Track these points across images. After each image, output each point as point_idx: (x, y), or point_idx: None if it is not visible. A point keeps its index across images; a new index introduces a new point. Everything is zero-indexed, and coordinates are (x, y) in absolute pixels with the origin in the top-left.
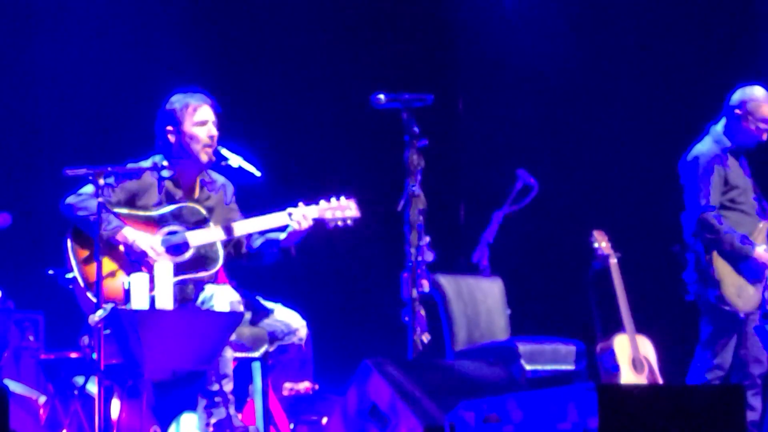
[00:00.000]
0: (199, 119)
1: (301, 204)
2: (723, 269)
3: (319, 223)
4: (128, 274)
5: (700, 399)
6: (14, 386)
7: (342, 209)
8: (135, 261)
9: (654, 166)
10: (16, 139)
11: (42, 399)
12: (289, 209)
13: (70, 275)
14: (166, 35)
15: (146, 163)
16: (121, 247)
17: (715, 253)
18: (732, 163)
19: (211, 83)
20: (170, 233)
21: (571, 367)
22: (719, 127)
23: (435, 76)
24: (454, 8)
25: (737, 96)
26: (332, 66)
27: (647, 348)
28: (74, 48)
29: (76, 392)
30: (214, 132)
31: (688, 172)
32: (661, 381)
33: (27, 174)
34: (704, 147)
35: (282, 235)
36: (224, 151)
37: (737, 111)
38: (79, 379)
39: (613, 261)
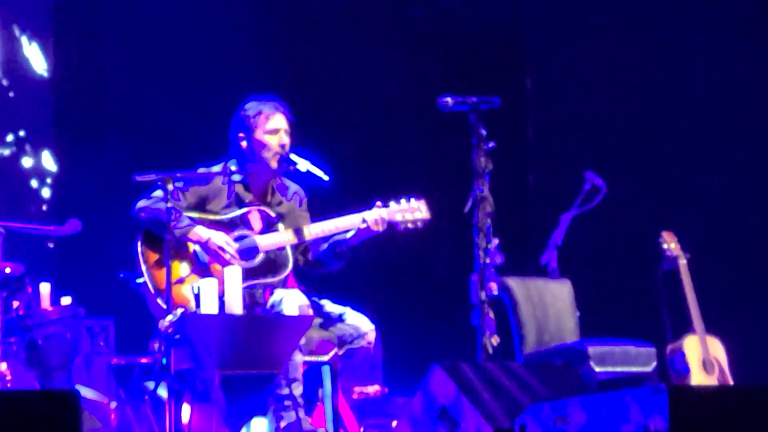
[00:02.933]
0: (272, 127)
1: (378, 203)
2: None
3: (390, 225)
4: (200, 277)
5: None
6: (86, 392)
7: (412, 211)
8: (204, 265)
9: (722, 166)
10: (86, 144)
11: (113, 404)
12: (365, 213)
13: (140, 280)
14: (239, 40)
15: (217, 168)
16: (192, 246)
17: None
18: None
19: (281, 87)
20: (239, 237)
21: (641, 368)
22: None
23: (502, 78)
24: (523, 10)
25: None
26: (400, 69)
27: (717, 349)
28: (144, 53)
29: (146, 397)
30: (286, 141)
31: None
32: (731, 382)
33: (96, 180)
34: None
35: (350, 234)
36: (293, 156)
37: None
38: (150, 384)
39: (683, 262)
